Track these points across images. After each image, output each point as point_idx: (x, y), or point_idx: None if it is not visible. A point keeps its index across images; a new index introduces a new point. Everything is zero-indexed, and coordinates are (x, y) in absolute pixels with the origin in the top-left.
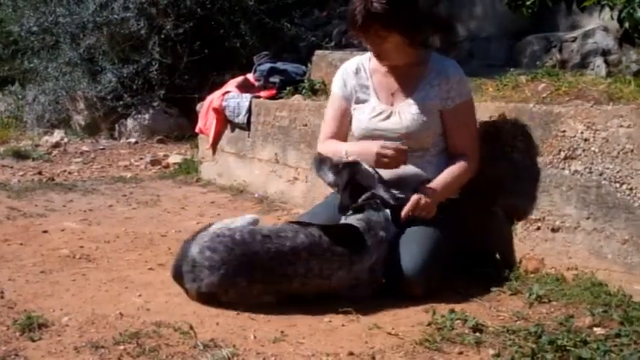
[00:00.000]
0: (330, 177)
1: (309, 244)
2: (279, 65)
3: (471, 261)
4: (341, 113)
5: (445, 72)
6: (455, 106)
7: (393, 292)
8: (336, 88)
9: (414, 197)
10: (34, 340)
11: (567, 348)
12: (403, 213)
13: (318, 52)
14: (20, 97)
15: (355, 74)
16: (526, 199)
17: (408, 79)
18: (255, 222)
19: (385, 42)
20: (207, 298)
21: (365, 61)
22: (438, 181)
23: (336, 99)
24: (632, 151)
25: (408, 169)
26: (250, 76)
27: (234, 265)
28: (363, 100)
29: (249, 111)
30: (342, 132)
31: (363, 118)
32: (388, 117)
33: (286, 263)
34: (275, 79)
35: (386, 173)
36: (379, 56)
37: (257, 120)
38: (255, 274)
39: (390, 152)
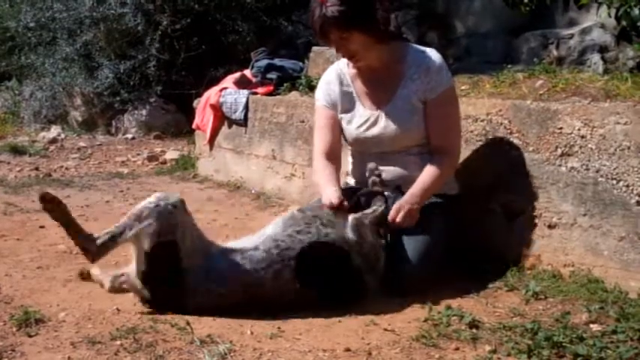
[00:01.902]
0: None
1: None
2: (277, 62)
3: (467, 257)
4: (331, 124)
5: (425, 64)
6: (436, 96)
7: (389, 289)
8: (320, 100)
9: (396, 207)
10: (30, 336)
11: (563, 344)
12: (389, 220)
13: (315, 49)
14: (17, 92)
15: (337, 82)
16: (523, 196)
17: (389, 80)
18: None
19: (350, 43)
20: None
21: (343, 67)
22: (418, 187)
23: (322, 111)
24: (628, 148)
25: (389, 171)
26: (248, 73)
27: None
28: (349, 109)
29: (247, 107)
30: (336, 143)
31: (351, 128)
32: (375, 123)
33: None
34: (272, 75)
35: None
36: (351, 58)
37: (254, 116)
38: None
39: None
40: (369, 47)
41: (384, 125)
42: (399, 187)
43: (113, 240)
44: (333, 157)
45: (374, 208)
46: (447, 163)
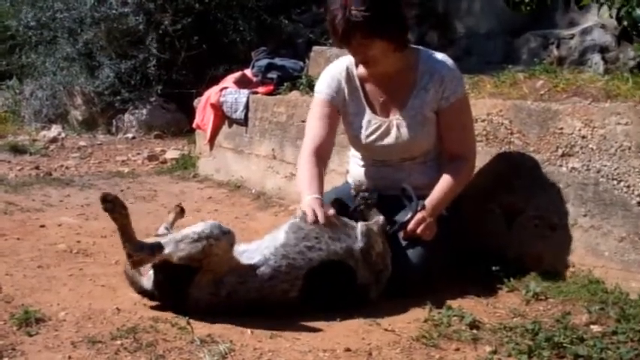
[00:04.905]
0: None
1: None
2: (277, 61)
3: (468, 258)
4: (329, 121)
5: (438, 72)
6: (450, 105)
7: (390, 289)
8: (322, 92)
9: (419, 216)
10: (31, 335)
11: (564, 345)
12: (408, 232)
13: (315, 48)
14: (18, 91)
15: (345, 81)
16: (523, 197)
17: (400, 87)
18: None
19: (369, 49)
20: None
21: (351, 65)
22: (438, 198)
23: (323, 105)
24: (629, 148)
25: (393, 177)
26: (248, 72)
27: None
28: (356, 112)
29: (247, 107)
30: (329, 142)
31: (359, 134)
32: (387, 132)
33: None
34: (273, 74)
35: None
36: (367, 64)
37: (254, 116)
38: None
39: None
40: (387, 54)
41: (395, 136)
42: (404, 190)
43: (153, 253)
44: (322, 155)
45: (375, 219)
46: (465, 170)
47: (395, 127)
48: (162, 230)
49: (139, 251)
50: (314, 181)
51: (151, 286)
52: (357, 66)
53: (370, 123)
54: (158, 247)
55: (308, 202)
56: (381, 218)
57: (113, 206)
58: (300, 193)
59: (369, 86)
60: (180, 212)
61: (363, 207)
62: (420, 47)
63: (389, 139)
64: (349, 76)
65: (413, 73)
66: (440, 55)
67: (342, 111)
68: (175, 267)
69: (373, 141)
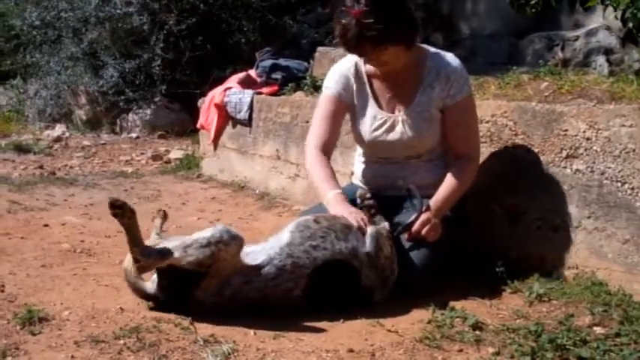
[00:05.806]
0: None
1: None
2: (282, 62)
3: (471, 259)
4: (336, 116)
5: (445, 70)
6: (455, 103)
7: (394, 290)
8: (331, 87)
9: (423, 217)
10: (34, 334)
11: (567, 347)
12: (413, 233)
13: (320, 49)
14: (22, 91)
15: (354, 77)
16: (527, 198)
17: (407, 83)
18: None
19: (383, 55)
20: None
21: (360, 61)
22: (442, 199)
23: (331, 101)
24: (633, 150)
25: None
26: (252, 72)
27: None
28: (363, 108)
29: (251, 107)
30: (334, 138)
31: (365, 129)
32: (392, 127)
33: None
34: (277, 75)
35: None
36: (379, 66)
37: (258, 116)
38: None
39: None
40: (400, 54)
41: (401, 131)
42: (409, 190)
43: (162, 259)
44: (328, 152)
45: (382, 224)
46: (469, 170)
47: (400, 123)
48: (153, 237)
49: (146, 257)
50: (331, 177)
51: (155, 291)
52: (365, 62)
53: (376, 118)
54: (166, 253)
55: (333, 198)
56: (386, 224)
57: (122, 212)
58: (319, 190)
59: (376, 82)
60: (164, 216)
61: (369, 214)
62: (428, 46)
63: (394, 135)
64: (358, 72)
65: (420, 70)
66: (448, 55)
67: (349, 107)
68: (181, 272)
69: (378, 136)
